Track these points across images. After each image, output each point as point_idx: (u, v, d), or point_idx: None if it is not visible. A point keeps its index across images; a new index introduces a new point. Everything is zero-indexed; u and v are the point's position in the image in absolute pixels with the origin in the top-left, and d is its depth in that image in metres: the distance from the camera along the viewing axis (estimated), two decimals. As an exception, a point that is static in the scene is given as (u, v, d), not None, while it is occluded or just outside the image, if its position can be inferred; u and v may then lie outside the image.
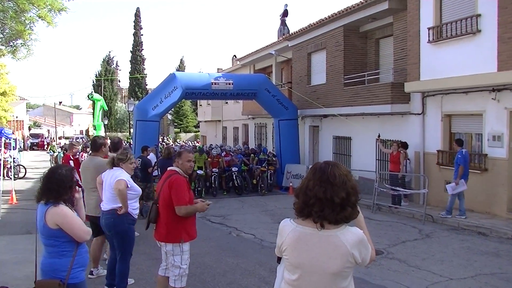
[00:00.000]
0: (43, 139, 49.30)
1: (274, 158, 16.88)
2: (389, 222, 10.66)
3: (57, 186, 3.60)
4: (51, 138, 51.32)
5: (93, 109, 29.88)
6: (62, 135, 57.33)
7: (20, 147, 29.40)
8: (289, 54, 20.01)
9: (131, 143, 20.67)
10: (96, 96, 24.46)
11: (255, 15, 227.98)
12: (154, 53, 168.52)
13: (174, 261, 4.85)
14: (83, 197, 4.56)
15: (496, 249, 8.13)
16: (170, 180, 4.83)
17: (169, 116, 55.44)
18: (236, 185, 15.57)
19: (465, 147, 10.73)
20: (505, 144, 10.31)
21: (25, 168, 21.50)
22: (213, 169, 15.33)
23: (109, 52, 68.78)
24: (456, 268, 7.03)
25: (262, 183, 15.62)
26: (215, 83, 16.29)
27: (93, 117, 24.71)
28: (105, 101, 27.95)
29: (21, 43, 16.58)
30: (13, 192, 13.82)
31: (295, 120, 17.42)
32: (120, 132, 56.48)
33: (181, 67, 58.02)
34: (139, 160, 10.77)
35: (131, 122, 33.07)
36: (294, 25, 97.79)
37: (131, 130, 29.78)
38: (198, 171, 14.87)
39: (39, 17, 15.59)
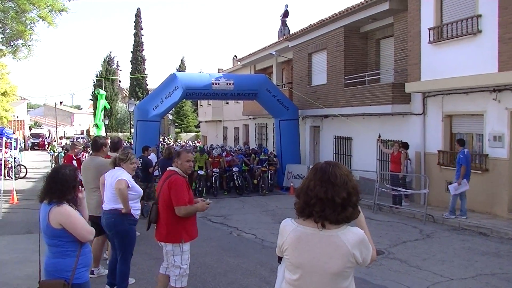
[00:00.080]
0: (43, 139, 49.34)
1: (274, 158, 16.89)
2: (390, 222, 10.66)
3: (60, 185, 3.59)
4: (51, 138, 51.35)
5: (95, 108, 29.89)
6: (63, 135, 57.33)
7: (21, 147, 29.42)
8: (290, 54, 20.01)
9: (132, 143, 20.70)
10: (102, 92, 24.52)
11: (255, 15, 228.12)
12: (154, 53, 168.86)
13: (174, 261, 4.86)
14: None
15: (497, 249, 8.13)
16: (170, 180, 4.83)
17: (170, 116, 55.45)
18: (237, 185, 15.58)
19: (466, 147, 10.73)
20: (506, 145, 10.31)
21: (26, 168, 21.52)
22: (214, 169, 15.34)
23: (110, 52, 68.76)
24: (457, 268, 7.03)
25: (263, 183, 15.62)
26: (216, 83, 16.29)
27: (95, 115, 24.73)
28: (106, 101, 27.94)
29: (22, 43, 16.61)
30: (14, 192, 13.83)
31: (295, 120, 17.42)
32: (121, 132, 56.48)
33: (181, 67, 57.98)
34: (140, 160, 10.78)
35: (131, 122, 33.09)
36: (294, 26, 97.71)
37: (132, 130, 29.80)
38: (199, 171, 14.89)
39: (40, 18, 15.62)
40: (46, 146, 42.05)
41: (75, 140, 34.74)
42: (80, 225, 3.59)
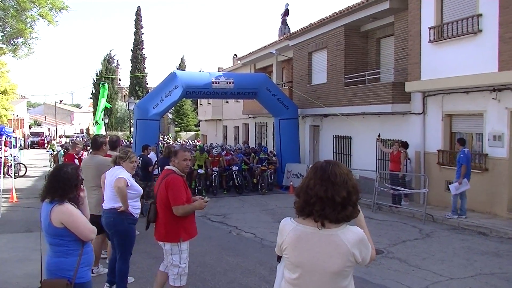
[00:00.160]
0: (43, 138, 49.31)
1: (274, 157, 16.90)
2: (390, 222, 10.66)
3: (62, 184, 3.56)
4: (51, 136, 51.35)
5: (95, 106, 29.82)
6: (63, 134, 57.34)
7: (21, 145, 29.39)
8: (290, 53, 20.00)
9: (132, 142, 20.69)
10: (105, 86, 24.42)
11: (256, 14, 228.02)
12: (154, 52, 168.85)
13: (172, 260, 4.85)
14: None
15: (496, 249, 8.13)
16: (167, 180, 4.82)
17: (170, 115, 55.43)
18: (237, 184, 15.58)
19: (466, 146, 10.73)
20: (505, 144, 10.31)
21: (25, 167, 21.50)
22: (214, 168, 15.33)
23: (110, 51, 68.39)
24: (456, 268, 7.04)
25: (263, 182, 15.62)
26: (216, 82, 16.28)
27: (95, 113, 24.68)
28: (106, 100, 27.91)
29: (22, 42, 16.59)
30: (14, 191, 13.82)
31: (295, 120, 17.41)
32: (121, 131, 56.48)
33: (181, 66, 57.96)
34: (140, 159, 10.78)
35: (131, 121, 33.07)
36: (295, 25, 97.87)
37: (132, 129, 29.78)
38: (199, 170, 14.89)
39: (40, 16, 15.60)
40: (46, 144, 42.03)
41: (75, 139, 34.76)
42: (82, 224, 3.57)
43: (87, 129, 66.83)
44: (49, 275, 3.57)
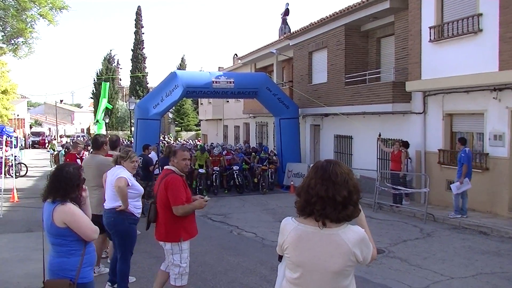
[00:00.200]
0: (44, 138, 49.34)
1: (275, 157, 16.89)
2: (390, 221, 10.66)
3: (64, 184, 3.56)
4: (52, 136, 51.34)
5: (95, 106, 29.81)
6: (63, 134, 57.35)
7: (21, 145, 29.40)
8: (290, 53, 20.00)
9: (132, 141, 20.70)
10: (107, 84, 24.43)
11: (256, 14, 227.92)
12: (155, 51, 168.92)
13: (173, 259, 4.86)
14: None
15: (497, 248, 8.13)
16: (166, 180, 4.82)
17: (170, 115, 55.43)
18: (237, 183, 15.58)
19: (467, 146, 10.72)
20: (506, 144, 10.31)
21: (26, 166, 21.51)
22: (215, 168, 15.33)
23: (110, 50, 68.83)
24: (457, 267, 7.04)
25: (263, 182, 15.62)
26: (216, 82, 16.28)
27: (96, 112, 24.68)
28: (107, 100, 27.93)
29: (22, 41, 16.61)
30: (15, 190, 13.82)
31: (296, 119, 17.41)
32: (121, 130, 56.50)
33: (182, 66, 57.93)
34: (141, 158, 10.78)
35: (132, 120, 33.09)
36: (295, 24, 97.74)
37: (132, 128, 29.80)
38: (200, 170, 14.89)
39: (40, 15, 15.62)
40: (47, 144, 42.02)
41: (76, 138, 34.76)
42: (84, 224, 3.56)
43: (88, 129, 66.85)
44: (51, 275, 3.56)
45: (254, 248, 8.34)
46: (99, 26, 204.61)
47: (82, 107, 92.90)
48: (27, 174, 20.99)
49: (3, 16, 15.75)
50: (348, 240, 2.38)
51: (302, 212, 2.47)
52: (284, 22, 22.77)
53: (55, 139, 41.35)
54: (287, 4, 22.96)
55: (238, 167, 15.67)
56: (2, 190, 12.24)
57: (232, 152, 16.86)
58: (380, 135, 13.41)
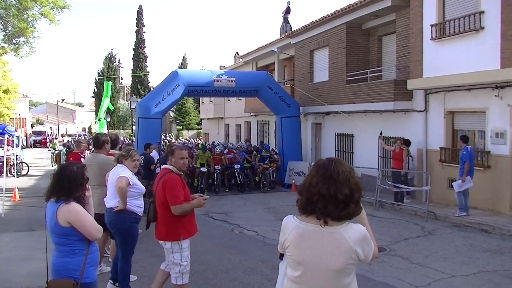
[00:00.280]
0: (45, 137, 49.40)
1: (276, 156, 16.90)
2: (392, 219, 10.65)
3: (68, 183, 3.54)
4: (53, 135, 51.40)
5: (97, 105, 29.79)
6: (65, 133, 57.42)
7: (23, 144, 29.48)
8: (292, 51, 19.97)
9: (134, 140, 20.72)
10: (109, 84, 24.44)
11: (257, 12, 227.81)
12: (156, 50, 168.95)
13: (174, 258, 4.86)
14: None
15: (498, 246, 8.12)
16: (164, 179, 4.82)
17: (171, 114, 55.43)
18: (239, 182, 15.59)
19: (469, 144, 10.70)
20: (508, 141, 10.28)
21: (28, 166, 21.56)
22: (216, 166, 15.34)
23: (112, 49, 68.41)
24: (458, 265, 7.03)
25: (265, 180, 15.63)
26: (217, 81, 16.28)
27: (98, 112, 24.70)
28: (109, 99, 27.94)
29: (23, 41, 16.61)
30: (16, 190, 13.85)
31: (297, 117, 17.41)
32: (123, 129, 56.53)
33: (183, 65, 57.94)
34: (142, 157, 10.79)
35: (133, 119, 33.09)
36: (296, 23, 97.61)
37: (134, 127, 29.81)
38: (201, 168, 14.91)
39: (42, 15, 15.62)
40: (48, 143, 42.11)
41: (78, 137, 34.79)
42: (89, 223, 3.55)
43: (89, 128, 66.90)
44: (55, 275, 3.55)
45: (256, 247, 8.34)
46: (100, 25, 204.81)
47: (83, 106, 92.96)
48: (28, 173, 21.04)
49: (4, 15, 15.75)
50: (349, 238, 2.38)
51: (304, 211, 2.47)
52: (286, 20, 22.75)
53: (56, 138, 41.42)
54: (289, 2, 22.94)
55: (239, 166, 15.67)
56: (4, 189, 12.27)
57: (234, 150, 16.86)
58: (381, 133, 13.39)
